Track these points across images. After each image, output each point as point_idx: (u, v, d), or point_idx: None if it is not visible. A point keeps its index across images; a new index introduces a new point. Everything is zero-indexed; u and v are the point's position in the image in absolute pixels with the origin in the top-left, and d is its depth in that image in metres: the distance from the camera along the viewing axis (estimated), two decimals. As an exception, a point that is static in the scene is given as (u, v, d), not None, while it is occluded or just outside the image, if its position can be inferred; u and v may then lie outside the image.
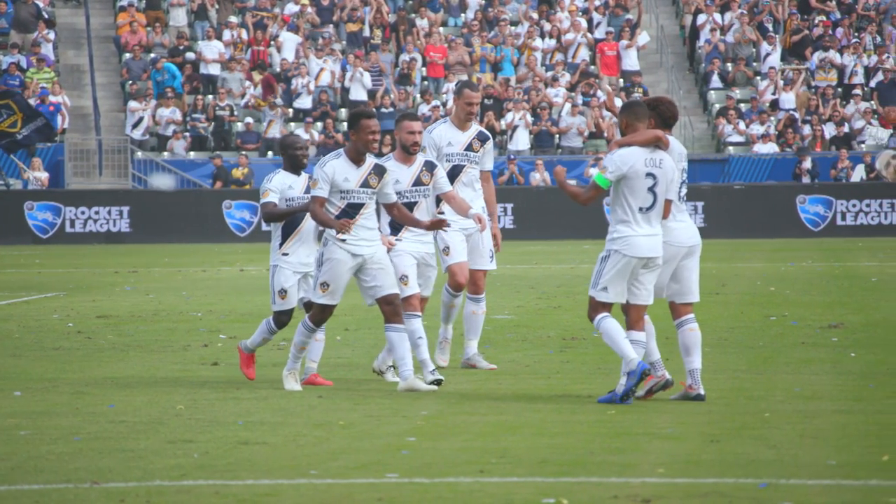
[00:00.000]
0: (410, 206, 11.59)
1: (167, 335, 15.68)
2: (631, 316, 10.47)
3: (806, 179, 38.08)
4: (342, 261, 11.08)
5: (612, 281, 10.38)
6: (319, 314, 11.21)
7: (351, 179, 11.07)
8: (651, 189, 10.35)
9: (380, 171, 11.19)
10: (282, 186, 11.69)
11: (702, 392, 10.56)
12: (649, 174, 10.35)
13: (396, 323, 11.10)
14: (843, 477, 7.75)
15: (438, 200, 12.24)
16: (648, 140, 10.39)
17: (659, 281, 10.62)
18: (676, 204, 10.54)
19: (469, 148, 12.47)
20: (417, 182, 11.56)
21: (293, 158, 11.76)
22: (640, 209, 10.34)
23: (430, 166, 11.62)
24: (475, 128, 12.54)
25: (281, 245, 11.68)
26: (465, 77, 41.25)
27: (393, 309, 11.09)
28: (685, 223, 10.62)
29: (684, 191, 10.64)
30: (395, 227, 11.61)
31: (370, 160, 11.20)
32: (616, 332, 10.32)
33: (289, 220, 11.67)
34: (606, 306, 10.44)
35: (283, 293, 11.67)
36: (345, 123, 40.84)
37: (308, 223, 11.67)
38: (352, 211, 11.10)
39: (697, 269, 10.70)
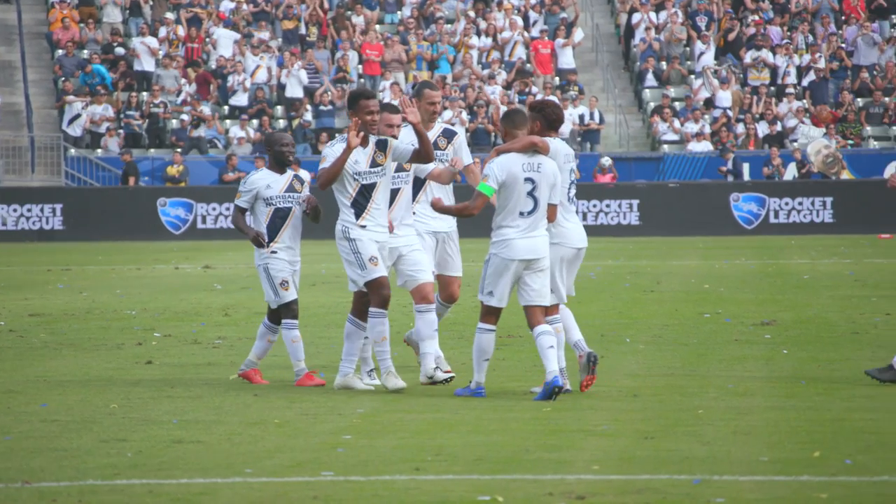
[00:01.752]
0: (393, 192, 11.48)
1: (101, 333, 15.56)
2: (528, 317, 10.68)
3: (730, 179, 38.39)
4: (371, 241, 10.98)
5: (495, 284, 10.62)
6: (378, 292, 10.94)
7: (361, 161, 11.05)
8: (531, 193, 10.58)
9: (382, 144, 11.15)
10: (258, 186, 11.48)
11: (592, 351, 10.82)
12: (528, 179, 10.59)
13: (359, 319, 11.13)
14: (774, 473, 7.82)
15: (415, 192, 12.03)
16: (525, 146, 10.63)
17: (567, 281, 10.83)
18: (566, 205, 10.79)
19: (434, 147, 12.32)
20: (399, 168, 11.52)
21: (279, 155, 11.55)
22: (521, 213, 10.59)
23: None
24: (439, 126, 12.31)
25: (268, 244, 11.51)
26: (401, 74, 41.25)
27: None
28: (576, 223, 10.87)
29: (573, 191, 10.89)
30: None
31: (372, 139, 11.14)
32: (481, 351, 10.61)
33: (273, 217, 11.47)
34: (494, 314, 10.62)
35: (286, 284, 11.49)
36: (281, 121, 40.69)
37: (294, 219, 11.54)
38: (366, 192, 11.01)
39: (576, 270, 10.97)
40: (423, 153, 11.19)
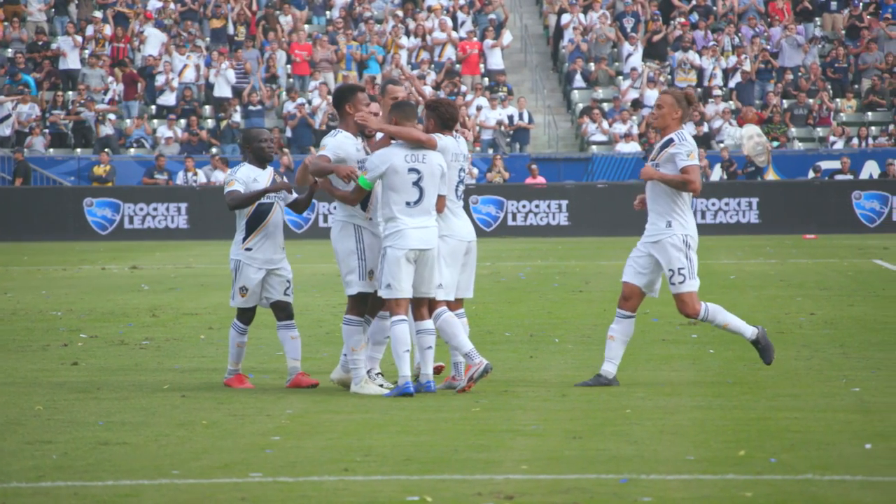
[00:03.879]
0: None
1: (25, 335, 15.41)
2: (413, 308, 10.77)
3: (647, 184, 38.72)
4: (375, 245, 10.90)
5: (393, 276, 10.67)
6: (361, 303, 10.87)
7: (360, 150, 11.00)
8: (416, 183, 10.67)
9: (364, 137, 11.12)
10: (247, 179, 11.35)
11: (464, 381, 10.88)
12: (412, 169, 10.70)
13: (375, 315, 11.10)
14: (701, 472, 7.89)
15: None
16: (411, 139, 10.71)
17: (463, 280, 10.92)
18: (454, 200, 10.90)
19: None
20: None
21: (258, 151, 11.44)
22: (407, 203, 10.70)
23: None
24: None
25: (244, 239, 11.35)
26: (330, 74, 41.17)
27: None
28: (464, 219, 10.99)
29: (461, 189, 10.99)
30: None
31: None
32: (399, 343, 10.62)
33: (254, 213, 11.32)
34: (400, 305, 10.67)
35: (244, 291, 11.32)
36: (209, 121, 40.46)
37: (275, 217, 11.40)
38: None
39: (474, 266, 11.05)
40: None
